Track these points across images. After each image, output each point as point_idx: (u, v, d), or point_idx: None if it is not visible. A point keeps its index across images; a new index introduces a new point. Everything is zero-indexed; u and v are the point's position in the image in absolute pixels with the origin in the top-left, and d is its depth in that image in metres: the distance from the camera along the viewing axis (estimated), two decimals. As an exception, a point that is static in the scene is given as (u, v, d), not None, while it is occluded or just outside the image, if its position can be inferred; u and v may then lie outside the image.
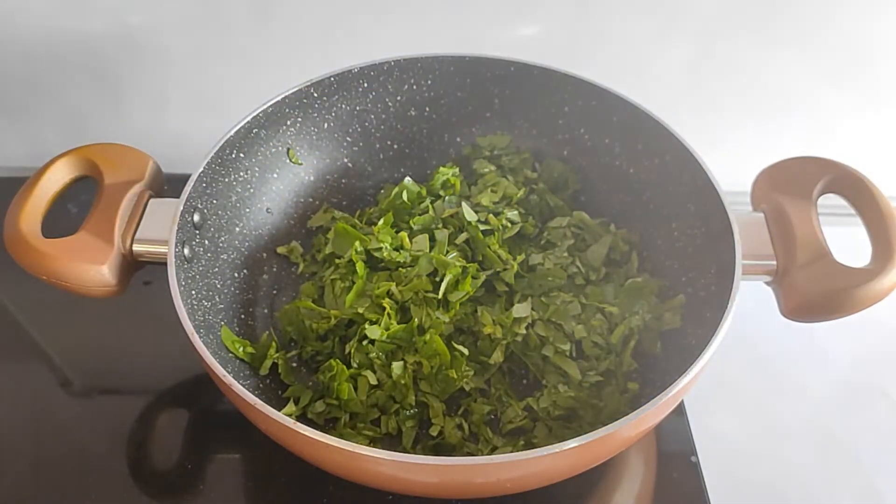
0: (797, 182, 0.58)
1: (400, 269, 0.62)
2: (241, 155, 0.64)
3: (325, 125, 0.69)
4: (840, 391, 0.69)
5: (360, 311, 0.59)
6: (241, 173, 0.64)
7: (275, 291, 0.66)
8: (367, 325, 0.58)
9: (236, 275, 0.63)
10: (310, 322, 0.61)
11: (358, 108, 0.70)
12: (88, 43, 0.78)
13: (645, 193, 0.65)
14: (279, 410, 0.46)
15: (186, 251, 0.56)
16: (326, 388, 0.58)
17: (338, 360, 0.58)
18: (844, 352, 0.71)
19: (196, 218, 0.58)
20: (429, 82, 0.70)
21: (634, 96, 0.64)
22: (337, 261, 0.64)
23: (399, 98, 0.70)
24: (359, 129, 0.71)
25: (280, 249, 0.68)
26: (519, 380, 0.61)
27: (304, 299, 0.63)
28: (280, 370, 0.59)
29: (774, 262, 0.55)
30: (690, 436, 0.61)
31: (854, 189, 0.57)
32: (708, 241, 0.58)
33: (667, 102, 0.65)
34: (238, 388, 0.47)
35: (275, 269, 0.67)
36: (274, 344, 0.60)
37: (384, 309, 0.59)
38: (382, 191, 0.72)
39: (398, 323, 0.59)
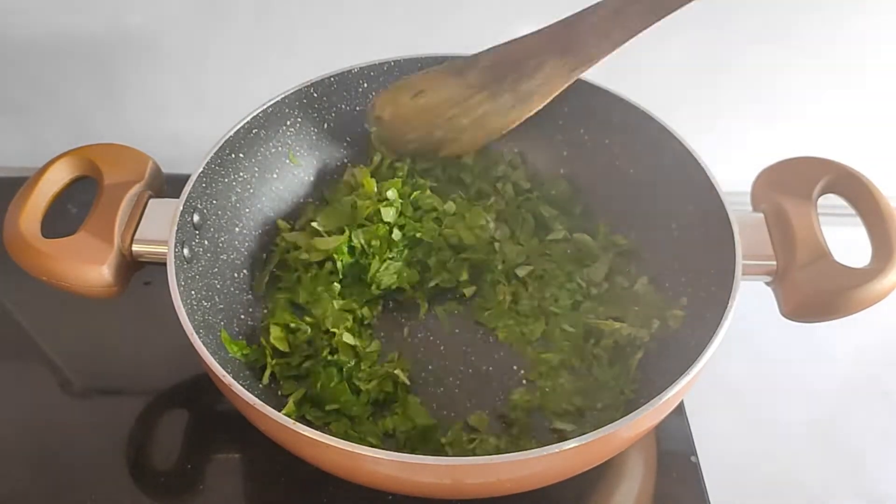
0: (797, 182, 0.58)
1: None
2: (241, 155, 0.64)
3: (325, 125, 0.69)
4: (840, 391, 0.69)
5: (330, 325, 0.60)
6: (241, 173, 0.64)
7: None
8: (341, 334, 0.59)
9: (236, 275, 0.63)
10: (290, 338, 0.61)
11: (358, 108, 0.70)
12: (88, 43, 0.78)
13: (644, 194, 0.65)
14: (278, 411, 0.46)
15: (186, 251, 0.56)
16: (318, 397, 0.58)
17: (323, 367, 0.58)
18: (844, 352, 0.71)
19: (196, 218, 0.58)
20: (429, 82, 0.70)
21: (634, 96, 0.64)
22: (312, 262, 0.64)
23: (399, 98, 0.70)
24: (358, 130, 0.71)
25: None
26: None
27: (278, 313, 0.62)
28: (278, 377, 0.59)
29: (774, 263, 0.55)
30: (690, 436, 0.61)
31: (854, 189, 0.57)
32: (708, 242, 0.58)
33: (666, 102, 0.65)
34: (237, 388, 0.47)
35: (274, 270, 0.67)
36: (269, 352, 0.59)
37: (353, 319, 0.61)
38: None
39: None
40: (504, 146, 0.72)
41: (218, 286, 0.60)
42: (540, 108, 0.58)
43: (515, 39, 0.56)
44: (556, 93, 0.56)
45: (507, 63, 0.54)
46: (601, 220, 0.68)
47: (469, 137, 0.63)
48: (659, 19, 0.50)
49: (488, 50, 0.56)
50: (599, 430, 0.44)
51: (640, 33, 0.51)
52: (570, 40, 0.52)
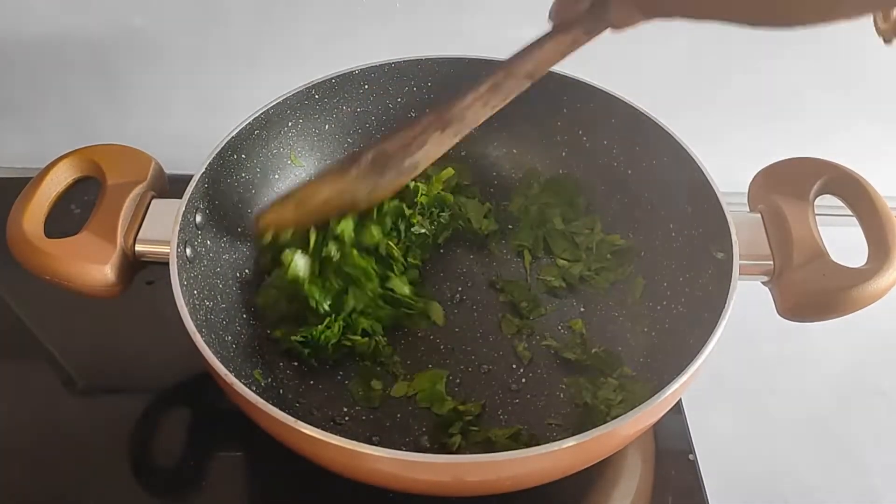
0: (794, 183, 0.58)
1: None
2: (243, 156, 0.64)
3: (326, 126, 0.70)
4: (837, 390, 0.69)
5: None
6: (243, 174, 0.65)
7: (276, 291, 0.67)
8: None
9: (238, 275, 0.64)
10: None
11: (359, 109, 0.70)
12: (91, 44, 0.78)
13: (643, 194, 0.66)
14: (279, 409, 0.46)
15: (189, 251, 0.57)
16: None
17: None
18: (841, 351, 0.72)
19: (198, 218, 0.59)
20: (429, 84, 0.70)
21: (632, 98, 0.64)
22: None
23: (399, 100, 0.71)
24: (359, 131, 0.71)
25: None
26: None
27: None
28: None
29: (771, 263, 0.56)
30: (688, 434, 0.61)
31: (850, 190, 0.57)
32: (705, 242, 0.58)
33: (665, 104, 0.65)
34: (239, 386, 0.47)
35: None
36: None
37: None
38: None
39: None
40: (503, 147, 0.73)
41: (220, 286, 0.61)
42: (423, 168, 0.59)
43: (399, 128, 0.56)
44: (439, 156, 0.57)
45: (390, 152, 0.56)
46: (598, 219, 0.69)
47: (361, 204, 0.61)
48: (531, 82, 0.53)
49: (371, 145, 0.56)
50: (598, 427, 0.44)
51: (515, 96, 0.54)
52: (451, 117, 0.54)
